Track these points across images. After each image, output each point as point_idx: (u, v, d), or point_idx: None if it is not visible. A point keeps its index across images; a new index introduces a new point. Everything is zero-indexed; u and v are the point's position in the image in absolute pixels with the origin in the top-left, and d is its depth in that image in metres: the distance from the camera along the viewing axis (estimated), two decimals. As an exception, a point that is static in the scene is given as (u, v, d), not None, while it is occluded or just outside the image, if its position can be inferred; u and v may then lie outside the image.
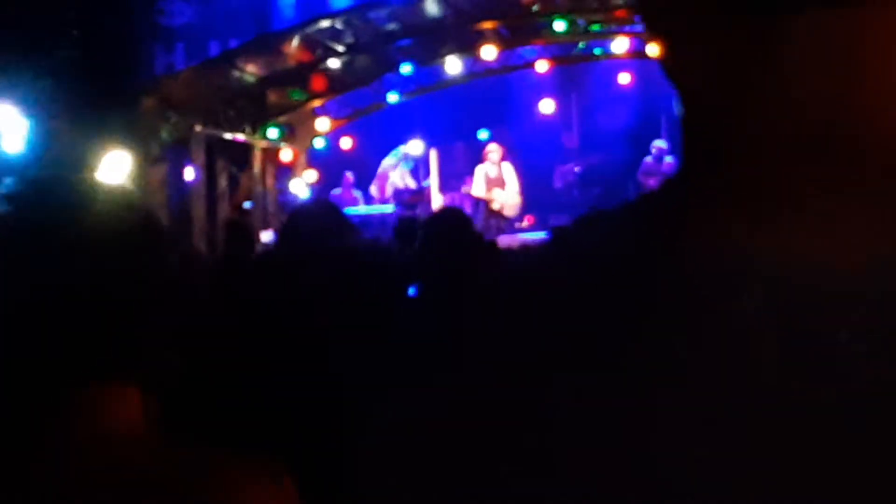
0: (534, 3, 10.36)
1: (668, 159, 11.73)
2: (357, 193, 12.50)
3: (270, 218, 10.93)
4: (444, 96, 12.53)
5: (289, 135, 11.46)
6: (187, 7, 12.43)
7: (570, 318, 0.47)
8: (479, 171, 12.11)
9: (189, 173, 9.87)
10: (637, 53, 11.03)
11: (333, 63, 10.76)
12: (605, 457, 0.43)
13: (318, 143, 11.97)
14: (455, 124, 13.70)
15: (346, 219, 3.57)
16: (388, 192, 12.48)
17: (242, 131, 10.70)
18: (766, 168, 0.44)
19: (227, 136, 10.46)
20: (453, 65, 11.24)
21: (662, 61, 0.47)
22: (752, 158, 0.44)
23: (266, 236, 9.43)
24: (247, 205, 10.94)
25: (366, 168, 12.77)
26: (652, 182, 11.54)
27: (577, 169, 14.25)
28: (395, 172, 12.63)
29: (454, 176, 13.07)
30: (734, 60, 0.43)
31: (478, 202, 12.07)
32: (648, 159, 12.13)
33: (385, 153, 12.78)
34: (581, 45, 11.65)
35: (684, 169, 0.49)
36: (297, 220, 3.56)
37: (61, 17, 7.32)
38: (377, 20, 10.36)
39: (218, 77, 10.21)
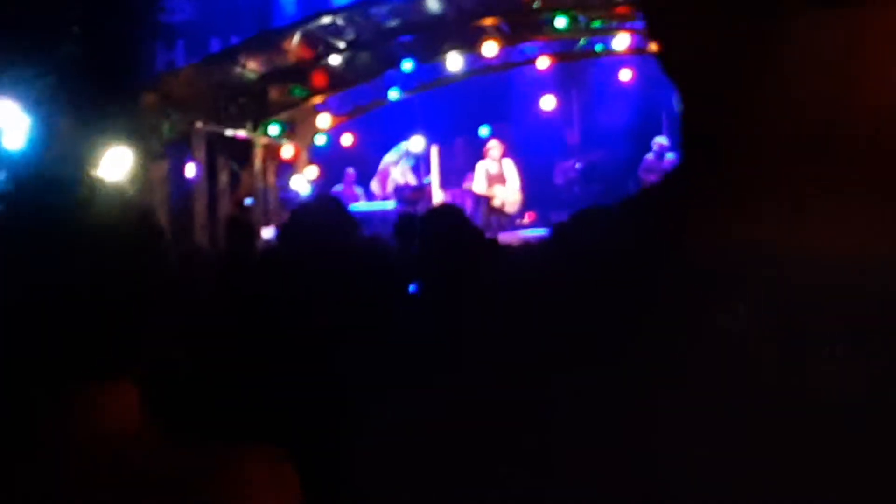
0: (535, 0, 10.36)
1: (670, 156, 11.73)
2: (358, 190, 12.50)
3: (271, 214, 10.94)
4: (445, 93, 12.53)
5: (290, 131, 11.46)
6: (188, 4, 12.43)
7: (569, 317, 0.47)
8: (480, 167, 12.11)
9: (190, 170, 9.87)
10: (638, 50, 11.03)
11: (335, 59, 10.76)
12: (604, 457, 0.43)
13: (320, 140, 11.96)
14: (456, 121, 13.70)
15: (349, 215, 3.57)
16: (390, 188, 12.49)
17: (244, 128, 10.70)
18: (766, 168, 0.44)
19: (229, 132, 10.46)
20: (454, 61, 11.24)
21: (662, 60, 0.47)
22: (752, 158, 0.44)
23: (267, 233, 9.43)
24: (248, 201, 10.94)
25: (367, 164, 12.77)
26: (653, 179, 11.48)
27: (578, 165, 14.24)
28: (396, 169, 12.64)
29: (455, 172, 13.08)
30: (734, 60, 0.43)
31: (479, 199, 12.08)
32: (649, 156, 12.13)
33: (386, 150, 12.79)
34: (582, 41, 11.65)
35: (684, 168, 0.49)
36: (300, 216, 3.56)
37: (62, 14, 7.32)
38: (378, 16, 10.36)
39: (219, 74, 10.21)
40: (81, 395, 1.07)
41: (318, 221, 3.29)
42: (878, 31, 0.41)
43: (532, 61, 11.79)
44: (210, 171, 10.19)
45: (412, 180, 12.64)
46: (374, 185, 12.61)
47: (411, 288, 3.36)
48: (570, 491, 0.43)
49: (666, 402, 0.43)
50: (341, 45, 10.55)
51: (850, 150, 0.42)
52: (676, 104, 0.48)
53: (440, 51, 11.13)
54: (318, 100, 11.45)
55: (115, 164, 7.67)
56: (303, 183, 11.50)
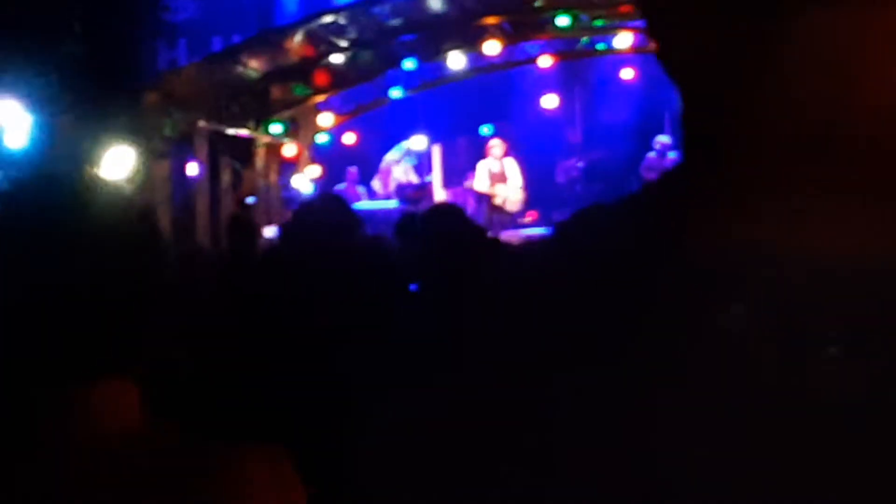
0: (537, -1, 10.37)
1: (672, 155, 11.72)
2: (360, 189, 12.50)
3: (273, 213, 10.93)
4: (447, 91, 12.53)
5: (292, 130, 11.46)
6: (190, 2, 12.42)
7: (570, 316, 0.47)
8: (482, 166, 12.11)
9: (192, 169, 9.87)
10: (640, 49, 11.02)
11: (336, 58, 10.76)
12: (605, 456, 0.43)
13: (322, 139, 11.96)
14: (458, 119, 13.69)
15: (353, 214, 3.57)
16: (392, 187, 12.50)
17: (246, 127, 10.70)
18: (766, 168, 0.44)
19: (231, 131, 10.46)
20: (456, 60, 11.23)
21: (662, 60, 0.47)
22: (752, 158, 0.44)
23: (269, 231, 9.43)
24: (250, 200, 10.94)
25: (369, 163, 12.77)
26: (654, 177, 11.50)
27: (579, 164, 14.24)
28: (398, 168, 12.64)
29: (457, 171, 13.08)
30: (734, 60, 0.43)
31: (481, 197, 12.08)
32: (651, 155, 12.12)
33: (388, 148, 12.79)
34: (584, 40, 11.64)
35: (684, 166, 0.49)
36: (305, 214, 3.55)
37: (64, 13, 7.32)
38: (380, 15, 10.36)
39: (221, 72, 10.21)
40: (81, 395, 1.06)
41: (322, 220, 3.29)
42: (878, 31, 0.41)
43: (534, 60, 11.78)
44: (212, 169, 10.19)
45: (414, 179, 12.65)
46: (376, 184, 12.61)
47: (413, 287, 3.35)
48: (570, 490, 0.43)
49: (666, 402, 0.43)
50: (343, 43, 10.54)
51: (850, 150, 0.42)
52: (677, 103, 0.48)
53: (442, 49, 11.13)
54: (320, 98, 11.45)
55: (117, 163, 7.67)
56: (305, 182, 11.50)
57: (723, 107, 0.44)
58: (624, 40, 11.01)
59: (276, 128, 11.07)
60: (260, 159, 11.09)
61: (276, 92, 10.94)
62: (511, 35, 11.07)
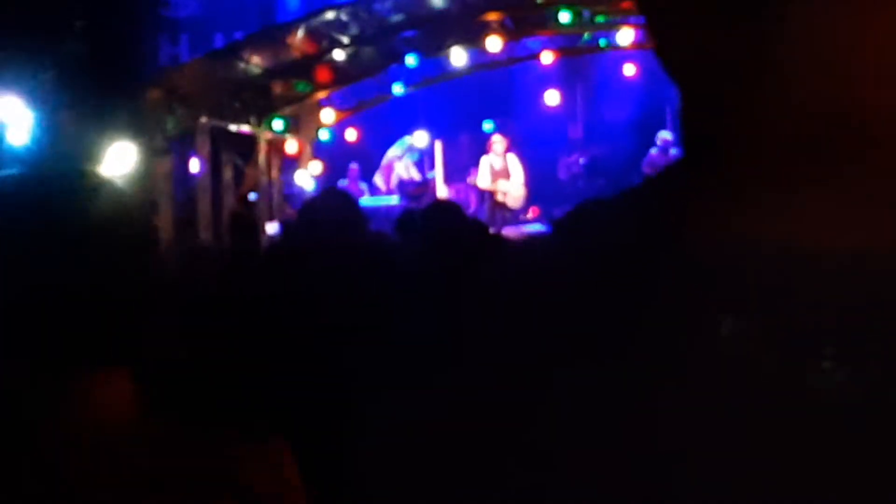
0: (539, -5, 10.35)
1: (674, 151, 11.71)
2: (362, 185, 12.50)
3: (275, 210, 10.94)
4: (449, 88, 12.52)
5: (294, 126, 11.45)
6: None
7: (570, 315, 0.47)
8: (484, 162, 12.11)
9: (194, 165, 9.87)
10: (642, 45, 11.00)
11: (338, 55, 10.75)
12: (605, 457, 0.43)
13: (324, 135, 11.96)
14: (460, 116, 13.69)
15: (360, 210, 3.57)
16: (393, 183, 12.50)
17: (247, 123, 10.70)
18: (766, 167, 0.44)
19: (233, 127, 10.46)
20: (458, 56, 11.22)
21: (662, 60, 0.47)
22: (752, 157, 0.44)
23: (271, 228, 9.44)
24: (252, 196, 10.94)
25: (371, 160, 12.78)
26: (656, 174, 11.51)
27: (581, 160, 14.24)
28: (399, 164, 12.64)
29: (459, 167, 13.07)
30: (734, 60, 0.43)
31: (483, 194, 12.08)
32: (653, 151, 12.12)
33: (390, 145, 12.79)
34: (586, 36, 11.62)
35: (684, 162, 0.49)
36: (311, 210, 3.54)
37: (66, 10, 7.32)
38: (382, 11, 10.35)
39: (223, 69, 10.21)
40: (80, 391, 1.07)
41: (328, 216, 3.29)
42: (878, 31, 0.40)
43: (536, 56, 11.77)
44: (214, 166, 10.19)
45: (416, 175, 12.65)
46: (378, 181, 12.61)
47: (412, 287, 3.35)
48: (570, 490, 0.43)
49: (666, 402, 0.43)
50: (345, 40, 10.54)
51: (850, 149, 0.42)
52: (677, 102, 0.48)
53: (444, 46, 11.12)
54: (321, 95, 11.44)
55: (119, 159, 7.67)
56: (307, 178, 11.50)
57: (723, 106, 0.44)
58: (626, 36, 10.99)
59: (277, 124, 11.07)
60: (262, 156, 11.09)
61: (278, 88, 10.94)
62: (513, 31, 11.06)
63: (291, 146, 11.41)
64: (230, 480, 1.04)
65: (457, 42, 11.08)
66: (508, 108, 14.21)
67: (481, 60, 11.66)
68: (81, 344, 1.06)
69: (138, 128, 8.01)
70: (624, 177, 12.37)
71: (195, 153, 9.85)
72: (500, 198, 11.96)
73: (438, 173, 12.63)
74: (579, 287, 0.48)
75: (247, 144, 10.86)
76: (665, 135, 12.11)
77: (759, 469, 0.41)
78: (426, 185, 12.51)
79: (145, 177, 8.04)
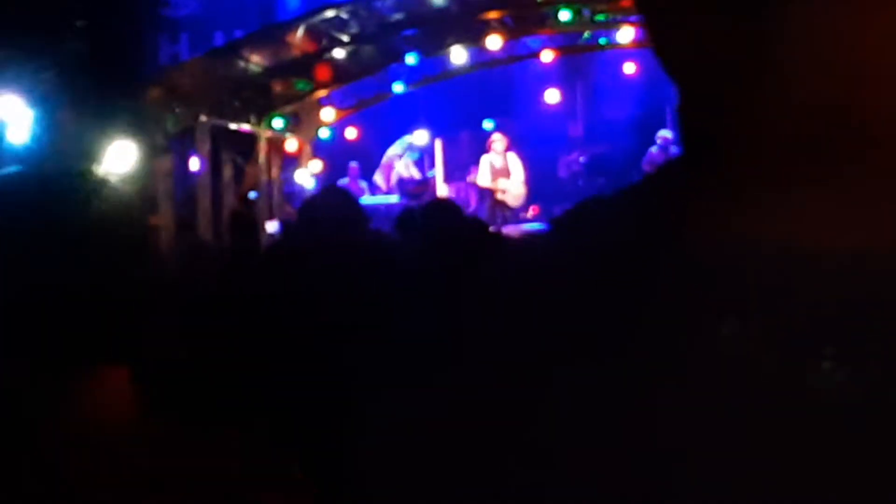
0: (539, -7, 10.36)
1: (674, 149, 11.71)
2: (363, 184, 12.50)
3: (275, 208, 10.94)
4: (449, 86, 12.52)
5: (294, 125, 11.46)
6: (192, -2, 12.43)
7: (570, 314, 0.47)
8: (485, 161, 12.11)
9: (194, 164, 9.87)
10: (642, 43, 11.00)
11: (339, 53, 10.75)
12: (605, 456, 0.43)
13: (324, 134, 11.96)
14: (460, 114, 13.70)
15: (360, 208, 3.57)
16: (393, 182, 12.50)
17: (248, 122, 10.71)
18: (766, 167, 0.44)
19: (233, 126, 10.46)
20: (458, 55, 11.23)
21: (662, 60, 0.47)
22: (752, 157, 0.44)
23: (271, 226, 9.44)
24: (252, 195, 10.94)
25: (371, 158, 12.78)
26: (657, 172, 11.52)
27: (582, 159, 14.24)
28: (400, 162, 12.64)
29: (459, 166, 13.08)
30: (734, 60, 0.43)
31: (483, 192, 12.08)
32: (654, 149, 12.12)
33: (390, 143, 12.79)
34: (586, 34, 11.63)
35: (683, 161, 0.49)
36: (312, 208, 3.54)
37: (67, 8, 7.32)
38: (382, 10, 10.35)
39: (223, 67, 10.21)
40: (80, 391, 1.07)
41: (329, 214, 3.29)
42: (878, 31, 0.40)
43: (536, 55, 11.77)
44: (214, 165, 10.20)
45: (416, 174, 12.65)
46: (378, 179, 12.61)
47: (414, 283, 3.35)
48: (570, 490, 0.43)
49: (666, 401, 0.43)
50: (345, 38, 10.54)
51: (850, 149, 0.42)
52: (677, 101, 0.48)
53: (444, 44, 11.12)
54: (322, 93, 11.45)
55: (119, 158, 7.67)
56: (307, 177, 11.50)
57: (723, 106, 0.44)
58: (626, 35, 10.99)
59: (277, 123, 11.08)
60: (262, 154, 11.10)
61: (278, 87, 10.95)
62: (513, 29, 11.07)
63: (291, 145, 11.42)
64: (230, 480, 1.04)
65: (457, 40, 11.08)
66: (508, 106, 14.21)
67: (481, 59, 11.66)
68: (81, 343, 1.06)
69: (138, 126, 8.01)
70: (624, 175, 12.36)
71: (195, 152, 9.85)
72: (500, 196, 11.96)
73: (438, 172, 12.63)
74: (579, 285, 0.48)
75: (247, 143, 10.87)
76: (665, 133, 12.11)
77: (759, 469, 0.41)
78: (426, 183, 12.51)
79: (145, 175, 8.04)
